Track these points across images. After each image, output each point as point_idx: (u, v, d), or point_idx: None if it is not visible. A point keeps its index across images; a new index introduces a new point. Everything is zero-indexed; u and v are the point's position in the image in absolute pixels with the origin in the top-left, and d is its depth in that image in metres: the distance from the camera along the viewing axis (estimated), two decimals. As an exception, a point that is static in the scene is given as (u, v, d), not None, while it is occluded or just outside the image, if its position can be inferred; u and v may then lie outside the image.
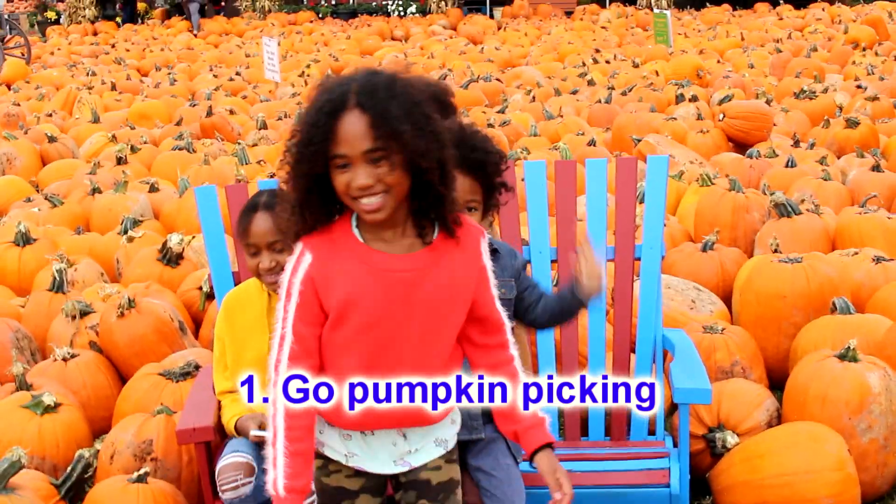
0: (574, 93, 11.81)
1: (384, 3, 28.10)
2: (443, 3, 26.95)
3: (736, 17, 22.64)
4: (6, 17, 21.77)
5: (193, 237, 5.89)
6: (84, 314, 4.80)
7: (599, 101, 10.14)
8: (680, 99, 10.24)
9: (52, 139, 9.49)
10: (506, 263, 2.99)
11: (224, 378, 3.30)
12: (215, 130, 9.98)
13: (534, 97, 11.10)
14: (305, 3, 28.99)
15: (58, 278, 5.11)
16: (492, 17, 26.70)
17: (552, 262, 3.83)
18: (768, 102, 9.99)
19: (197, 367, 3.94)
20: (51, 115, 11.87)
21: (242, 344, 3.27)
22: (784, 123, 9.31)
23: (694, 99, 10.06)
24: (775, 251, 4.95)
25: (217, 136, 9.75)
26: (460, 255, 2.41)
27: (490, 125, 8.72)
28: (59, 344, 4.70)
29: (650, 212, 3.78)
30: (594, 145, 8.06)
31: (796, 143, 8.20)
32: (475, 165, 2.86)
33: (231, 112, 11.13)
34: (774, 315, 4.51)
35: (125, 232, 6.29)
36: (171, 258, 5.59)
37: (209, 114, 10.32)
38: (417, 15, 26.93)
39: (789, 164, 7.07)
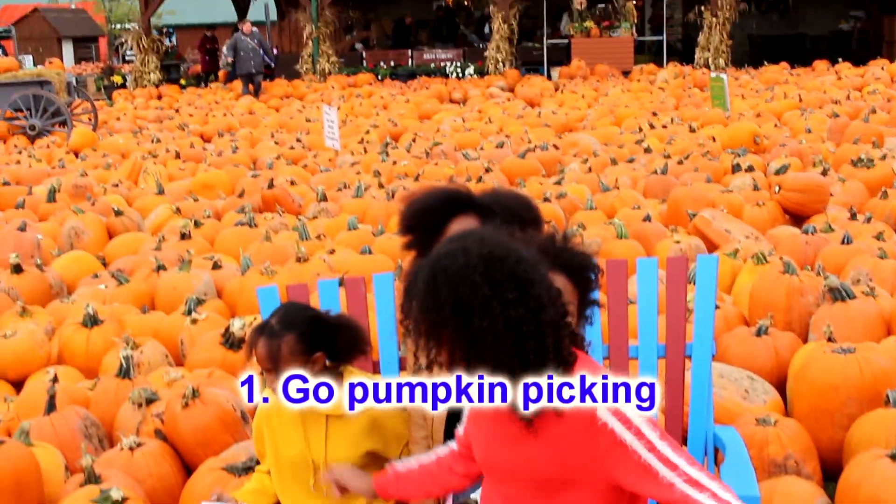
0: (631, 161, 11.89)
1: (442, 64, 28.41)
2: (501, 64, 27.19)
3: (794, 76, 22.59)
4: (74, 83, 22.36)
5: (255, 318, 6.03)
6: (150, 401, 4.94)
7: (655, 172, 10.20)
8: (736, 168, 10.28)
9: (118, 213, 9.73)
10: None
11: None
12: (276, 203, 10.19)
13: (590, 168, 11.19)
14: (365, 65, 29.37)
15: (125, 364, 5.26)
16: (549, 77, 26.89)
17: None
18: (825, 172, 9.99)
19: (258, 462, 4.05)
20: (117, 185, 12.18)
21: (277, 448, 3.45)
22: (841, 193, 9.31)
23: (750, 169, 10.09)
24: (829, 339, 4.97)
25: (278, 209, 9.94)
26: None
27: (546, 199, 8.80)
28: (125, 430, 4.85)
29: (700, 311, 3.84)
30: (650, 220, 8.12)
31: (853, 216, 8.19)
32: (574, 269, 2.95)
33: (292, 183, 11.34)
34: (828, 406, 4.54)
35: (189, 312, 6.47)
36: (234, 342, 5.75)
37: (270, 185, 10.55)
38: (475, 76, 27.19)
39: (845, 240, 7.08)
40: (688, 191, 8.85)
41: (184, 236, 8.64)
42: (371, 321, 3.99)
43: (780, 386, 5.21)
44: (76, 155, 16.36)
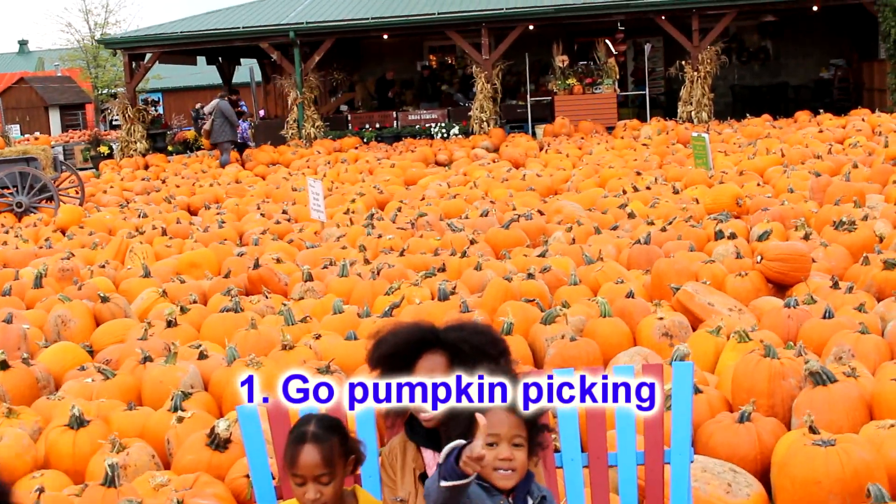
0: (614, 228, 11.97)
1: (427, 125, 28.61)
2: (485, 123, 27.39)
3: (776, 129, 22.78)
4: (61, 160, 22.48)
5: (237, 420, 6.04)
6: (136, 513, 4.94)
7: (639, 241, 10.26)
8: (719, 235, 10.35)
9: (104, 299, 9.75)
10: None
11: None
12: (262, 283, 10.23)
13: (574, 239, 11.26)
14: (350, 128, 29.56)
15: (110, 473, 5.26)
16: (534, 135, 27.09)
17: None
18: (807, 236, 10.07)
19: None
20: (104, 266, 12.20)
21: None
22: (824, 259, 9.37)
23: (732, 236, 10.16)
24: (811, 428, 4.98)
25: (264, 290, 9.98)
26: None
27: (531, 275, 8.85)
28: (111, 544, 4.85)
29: (677, 418, 3.87)
30: (632, 297, 8.16)
31: (835, 285, 8.25)
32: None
33: (278, 261, 11.39)
34: (811, 500, 4.57)
35: (175, 409, 6.49)
36: (219, 443, 5.76)
37: (256, 265, 10.59)
38: (461, 136, 27.37)
39: (826, 314, 7.13)
40: (670, 262, 8.91)
41: (170, 324, 8.65)
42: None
43: (765, 473, 5.24)
44: (63, 233, 16.40)
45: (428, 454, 3.38)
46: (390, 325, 3.54)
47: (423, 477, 3.36)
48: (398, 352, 3.38)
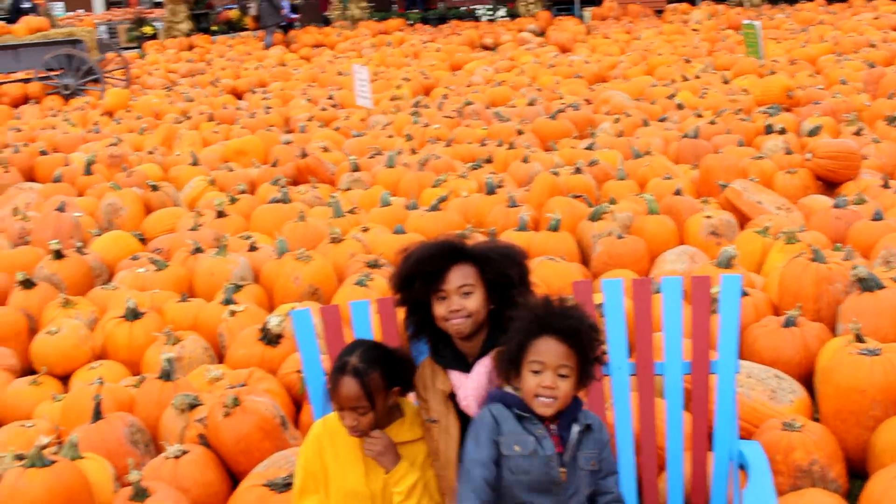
0: (662, 120, 11.86)
1: (473, 7, 28.23)
2: (532, 6, 26.99)
3: (830, 15, 22.26)
4: (107, 38, 22.47)
5: (292, 308, 6.14)
6: (192, 407, 5.09)
7: (687, 135, 10.18)
8: (769, 130, 10.24)
9: (154, 188, 9.86)
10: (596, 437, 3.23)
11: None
12: (309, 173, 10.28)
13: (622, 132, 11.19)
14: (395, 8, 29.24)
15: (167, 367, 5.40)
16: (581, 18, 26.67)
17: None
18: (859, 132, 9.94)
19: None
20: (152, 153, 12.31)
21: (330, 477, 3.47)
22: (875, 156, 9.26)
23: (782, 131, 10.05)
24: (857, 336, 4.98)
25: (311, 180, 10.04)
26: None
27: (578, 170, 8.84)
28: (169, 436, 5.02)
29: (725, 330, 3.90)
30: (680, 193, 8.14)
31: (886, 185, 8.17)
32: (569, 332, 3.10)
33: (325, 149, 11.42)
34: (853, 408, 4.61)
35: (227, 302, 6.61)
36: (271, 339, 5.89)
37: (304, 155, 10.64)
38: (507, 19, 27.01)
39: (876, 216, 7.08)
40: (719, 158, 8.85)
41: (220, 214, 8.75)
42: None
43: (810, 377, 5.29)
44: (111, 115, 16.50)
45: (454, 375, 3.44)
46: (417, 242, 3.56)
47: (452, 397, 3.42)
48: (429, 259, 3.40)
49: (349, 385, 3.30)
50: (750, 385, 4.85)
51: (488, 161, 10.28)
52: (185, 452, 4.74)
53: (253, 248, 7.79)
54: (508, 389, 3.23)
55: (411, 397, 3.59)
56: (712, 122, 10.89)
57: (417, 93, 16.23)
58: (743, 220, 7.79)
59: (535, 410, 3.14)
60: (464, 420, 3.36)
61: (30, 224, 8.90)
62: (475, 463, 3.16)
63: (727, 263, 6.26)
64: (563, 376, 3.12)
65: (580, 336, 3.14)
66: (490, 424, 3.18)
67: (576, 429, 3.19)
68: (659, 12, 26.11)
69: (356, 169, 10.23)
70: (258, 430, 4.76)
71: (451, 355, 3.43)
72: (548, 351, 3.12)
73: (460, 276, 3.34)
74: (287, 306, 6.47)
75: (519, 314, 3.22)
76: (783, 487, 4.27)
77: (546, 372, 3.11)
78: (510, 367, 3.17)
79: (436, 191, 8.94)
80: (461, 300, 3.32)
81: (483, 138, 11.56)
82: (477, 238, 6.93)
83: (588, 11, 26.96)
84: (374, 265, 7.05)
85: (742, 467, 3.84)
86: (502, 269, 3.38)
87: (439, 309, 3.35)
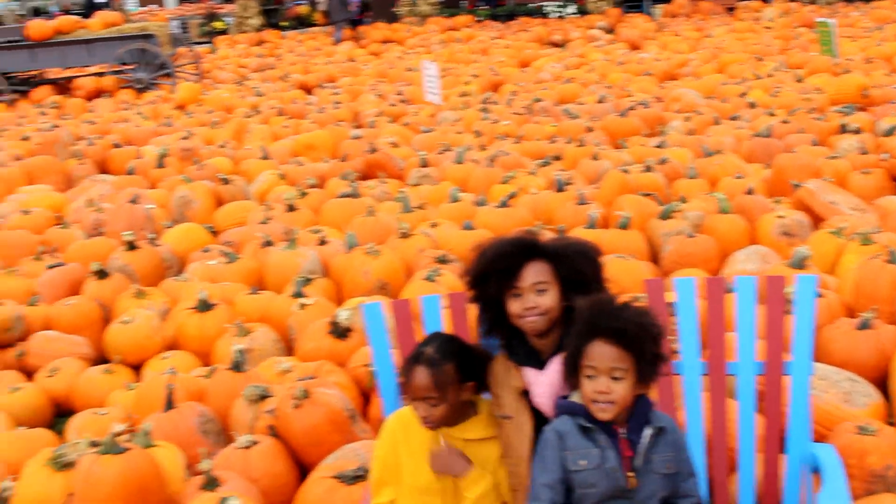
0: (734, 119, 11.74)
1: (541, 4, 28.15)
2: (601, 3, 26.84)
3: (906, 13, 21.88)
4: (179, 32, 22.76)
5: (360, 304, 6.17)
6: (262, 398, 5.14)
7: (759, 134, 10.06)
8: (843, 129, 10.09)
9: (225, 181, 9.96)
10: (671, 439, 3.16)
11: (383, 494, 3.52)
12: (378, 169, 10.32)
13: (692, 130, 11.09)
14: (464, 6, 29.26)
15: (238, 358, 5.46)
16: (651, 15, 26.48)
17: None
18: (936, 132, 9.76)
19: (368, 471, 4.20)
20: (223, 146, 12.44)
21: (404, 470, 3.48)
22: (953, 157, 9.08)
23: (857, 131, 9.89)
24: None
25: (380, 175, 10.08)
26: None
27: (648, 168, 8.77)
28: (240, 427, 5.08)
29: (799, 332, 3.85)
30: (752, 193, 8.04)
31: (964, 186, 8.03)
32: (618, 333, 3.04)
33: (394, 145, 11.46)
34: (931, 413, 4.54)
35: (297, 295, 6.67)
36: (341, 332, 5.93)
37: (373, 150, 10.69)
38: (576, 16, 26.89)
39: (954, 217, 6.96)
40: (792, 157, 8.73)
41: (290, 208, 8.82)
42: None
43: (884, 380, 5.21)
44: (182, 109, 16.71)
45: (528, 372, 3.42)
46: (490, 238, 3.55)
47: (525, 394, 3.41)
48: (504, 256, 3.38)
49: (421, 375, 3.30)
50: (823, 388, 4.79)
51: (557, 158, 10.25)
52: (255, 443, 4.79)
53: (322, 242, 7.84)
54: (575, 397, 3.18)
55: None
56: (785, 121, 10.75)
57: (486, 89, 16.22)
58: (816, 221, 7.68)
59: (595, 416, 3.10)
60: (537, 417, 3.35)
61: (103, 215, 9.06)
62: (542, 487, 3.14)
63: (800, 264, 6.19)
64: (616, 378, 3.04)
65: (629, 336, 3.03)
66: (554, 443, 3.13)
67: (648, 432, 3.12)
68: (730, 10, 25.81)
69: (425, 164, 10.26)
70: (327, 422, 4.79)
71: (525, 352, 3.41)
72: (598, 354, 3.04)
73: (535, 274, 3.33)
74: (356, 300, 6.52)
75: (576, 318, 3.19)
76: (857, 492, 4.21)
77: (599, 377, 3.04)
78: (572, 373, 3.14)
79: (504, 187, 8.93)
80: (536, 297, 3.30)
81: (552, 135, 11.52)
82: (548, 235, 6.90)
83: (658, 8, 26.75)
84: (442, 261, 7.07)
85: (815, 471, 3.79)
86: (577, 266, 3.36)
87: (514, 306, 3.34)
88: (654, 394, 3.34)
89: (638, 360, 3.05)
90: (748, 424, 3.89)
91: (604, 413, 3.07)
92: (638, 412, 3.13)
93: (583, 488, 3.09)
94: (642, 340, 3.05)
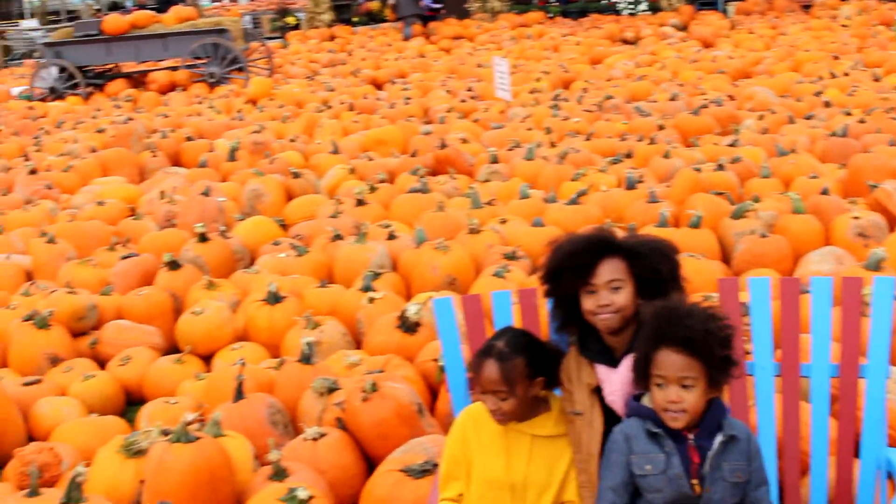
0: (809, 118, 11.56)
1: (613, 1, 27.96)
2: (674, 0, 26.61)
3: None
4: (252, 27, 22.95)
5: (428, 299, 6.18)
6: (331, 390, 5.17)
7: (835, 134, 9.91)
8: (921, 129, 9.91)
9: (296, 175, 10.04)
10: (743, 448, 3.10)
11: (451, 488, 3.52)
12: (448, 164, 10.33)
13: (766, 129, 10.94)
14: (535, 3, 29.17)
15: (307, 350, 5.49)
16: (725, 13, 26.17)
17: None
18: None
19: (435, 465, 4.21)
20: (293, 140, 12.52)
21: (473, 464, 3.48)
22: None
23: (936, 131, 9.71)
24: None
25: (450, 171, 10.09)
26: None
27: (721, 166, 8.68)
28: (308, 419, 5.12)
29: (876, 334, 3.79)
30: (827, 193, 7.92)
31: None
32: (685, 341, 2.99)
33: (464, 141, 11.46)
34: None
35: (366, 289, 6.70)
36: (409, 326, 5.94)
37: (443, 145, 10.71)
38: (648, 13, 26.68)
39: None
40: (868, 158, 8.58)
41: (359, 202, 8.86)
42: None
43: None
44: (254, 104, 16.86)
45: (600, 369, 3.40)
46: (565, 234, 3.52)
47: (597, 391, 3.38)
48: (579, 253, 3.35)
49: (490, 368, 3.30)
50: (899, 392, 4.69)
51: (628, 156, 10.18)
52: (323, 435, 4.82)
53: (392, 237, 7.87)
54: (646, 399, 3.15)
55: None
56: (861, 121, 10.57)
57: (556, 86, 16.15)
58: (892, 223, 7.55)
59: (666, 424, 3.07)
60: (608, 415, 3.32)
61: (176, 207, 9.18)
62: (607, 489, 3.13)
63: (876, 266, 6.08)
64: (686, 387, 2.99)
65: (696, 343, 2.97)
66: (621, 446, 3.12)
67: (718, 439, 3.06)
68: (806, 7, 25.42)
69: (495, 161, 10.25)
70: (395, 415, 4.80)
71: (599, 349, 3.39)
72: (667, 364, 2.99)
73: (610, 271, 3.30)
74: (425, 295, 6.53)
75: (642, 325, 3.15)
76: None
77: (669, 386, 3.00)
78: (641, 379, 3.10)
79: (575, 184, 8.89)
80: (610, 295, 3.28)
81: (623, 133, 11.44)
82: (620, 232, 6.86)
83: (732, 6, 26.40)
84: (511, 257, 7.06)
85: (890, 476, 3.73)
86: (652, 264, 3.33)
87: (587, 303, 3.31)
88: (725, 395, 3.28)
89: (707, 366, 2.99)
90: (821, 427, 3.84)
91: (675, 422, 3.02)
92: (710, 417, 3.08)
93: (649, 493, 3.06)
94: (710, 346, 2.99)
